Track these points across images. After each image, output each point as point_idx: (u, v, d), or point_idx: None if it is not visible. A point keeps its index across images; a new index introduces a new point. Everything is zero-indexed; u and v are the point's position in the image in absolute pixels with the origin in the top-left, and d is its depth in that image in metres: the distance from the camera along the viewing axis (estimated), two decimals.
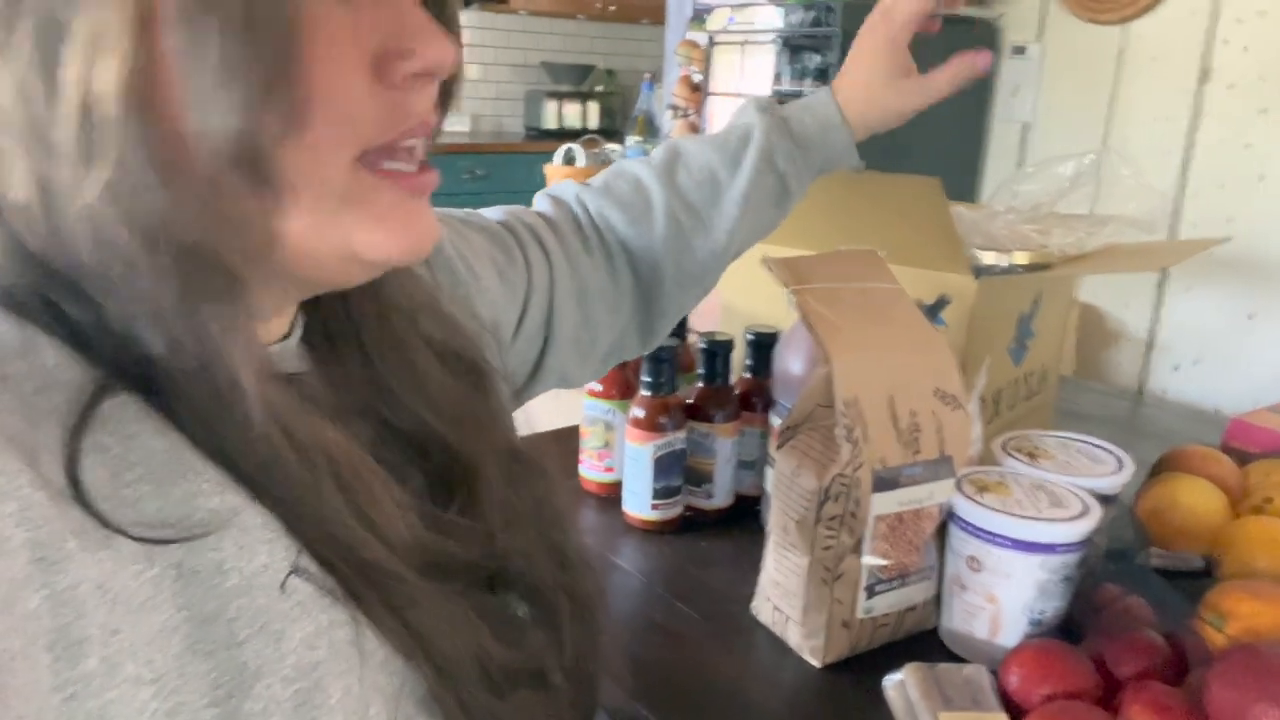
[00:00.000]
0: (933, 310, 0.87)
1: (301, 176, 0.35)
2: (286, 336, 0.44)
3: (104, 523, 0.32)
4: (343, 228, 0.38)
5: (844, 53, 2.22)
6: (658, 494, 0.86)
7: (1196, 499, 0.84)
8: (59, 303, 0.35)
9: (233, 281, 0.35)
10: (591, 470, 0.95)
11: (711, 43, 2.46)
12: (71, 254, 0.34)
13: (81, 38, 0.31)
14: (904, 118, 0.75)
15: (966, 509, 0.67)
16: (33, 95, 0.32)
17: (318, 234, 0.37)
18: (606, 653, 0.52)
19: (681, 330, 0.97)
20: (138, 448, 0.34)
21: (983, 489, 0.69)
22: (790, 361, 0.82)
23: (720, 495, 0.89)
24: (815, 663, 0.69)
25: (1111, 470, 0.76)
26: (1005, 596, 0.67)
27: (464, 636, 0.40)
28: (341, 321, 0.47)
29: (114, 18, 0.31)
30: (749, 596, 0.75)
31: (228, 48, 0.31)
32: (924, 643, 0.72)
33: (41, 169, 0.33)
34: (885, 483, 0.65)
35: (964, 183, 2.31)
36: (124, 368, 0.35)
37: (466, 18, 4.19)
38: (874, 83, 0.74)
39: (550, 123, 4.24)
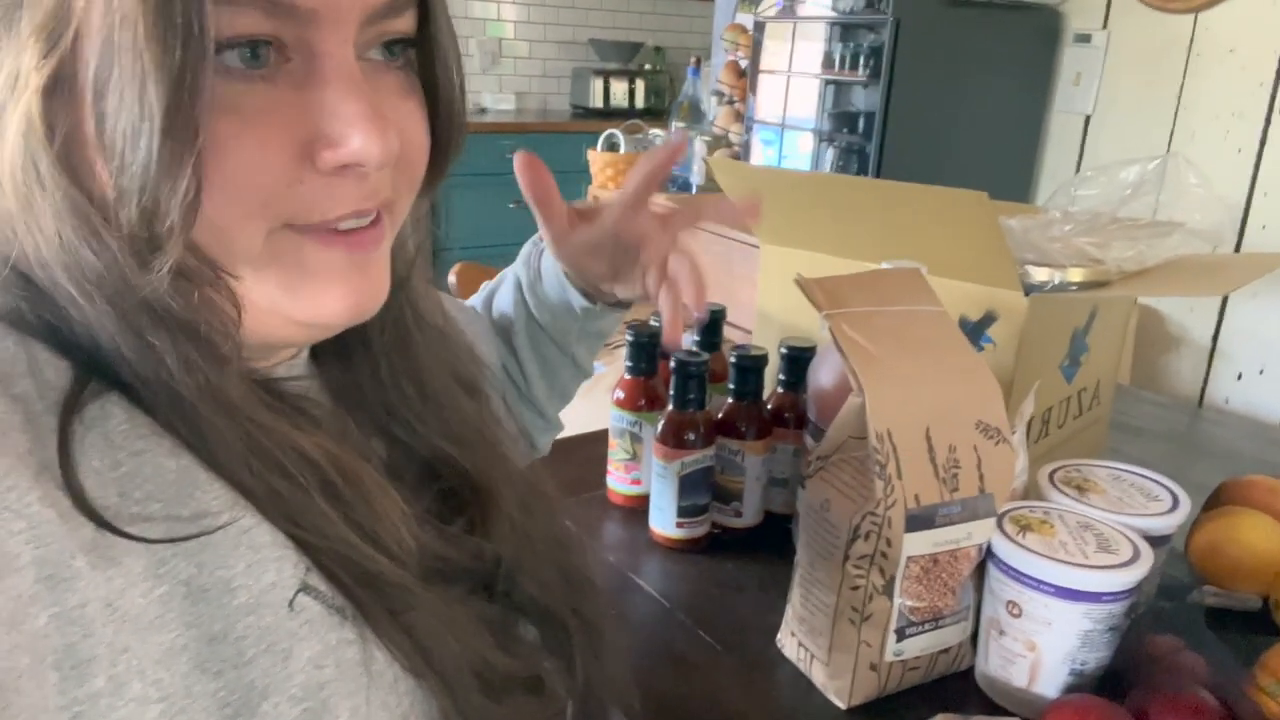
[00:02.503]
0: (979, 328, 0.83)
1: (216, 248, 0.35)
2: (296, 354, 0.44)
3: (99, 521, 0.32)
4: (273, 291, 0.37)
5: (897, 35, 2.15)
6: (683, 512, 0.83)
7: (1257, 536, 0.79)
8: (55, 321, 0.35)
9: (173, 324, 0.35)
10: (618, 482, 0.92)
11: (758, 25, 2.39)
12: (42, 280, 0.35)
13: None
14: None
15: (1007, 551, 0.63)
16: None
17: (250, 296, 0.37)
18: (617, 680, 0.52)
19: (715, 340, 0.94)
20: (147, 464, 0.34)
21: (1025, 528, 0.65)
22: (825, 380, 0.78)
23: (749, 514, 0.86)
24: (840, 705, 0.66)
25: (1166, 508, 0.71)
26: (1046, 645, 0.63)
27: (464, 642, 0.40)
28: (355, 341, 0.46)
29: (26, 74, 0.32)
30: (775, 626, 0.72)
31: (130, 121, 0.31)
32: (957, 685, 0.69)
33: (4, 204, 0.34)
34: (919, 522, 0.62)
35: (1020, 175, 2.23)
36: (120, 385, 0.36)
37: None
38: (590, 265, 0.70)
39: (597, 101, 4.19)
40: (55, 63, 0.32)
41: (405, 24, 0.39)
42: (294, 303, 0.38)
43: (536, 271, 0.73)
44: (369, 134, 0.35)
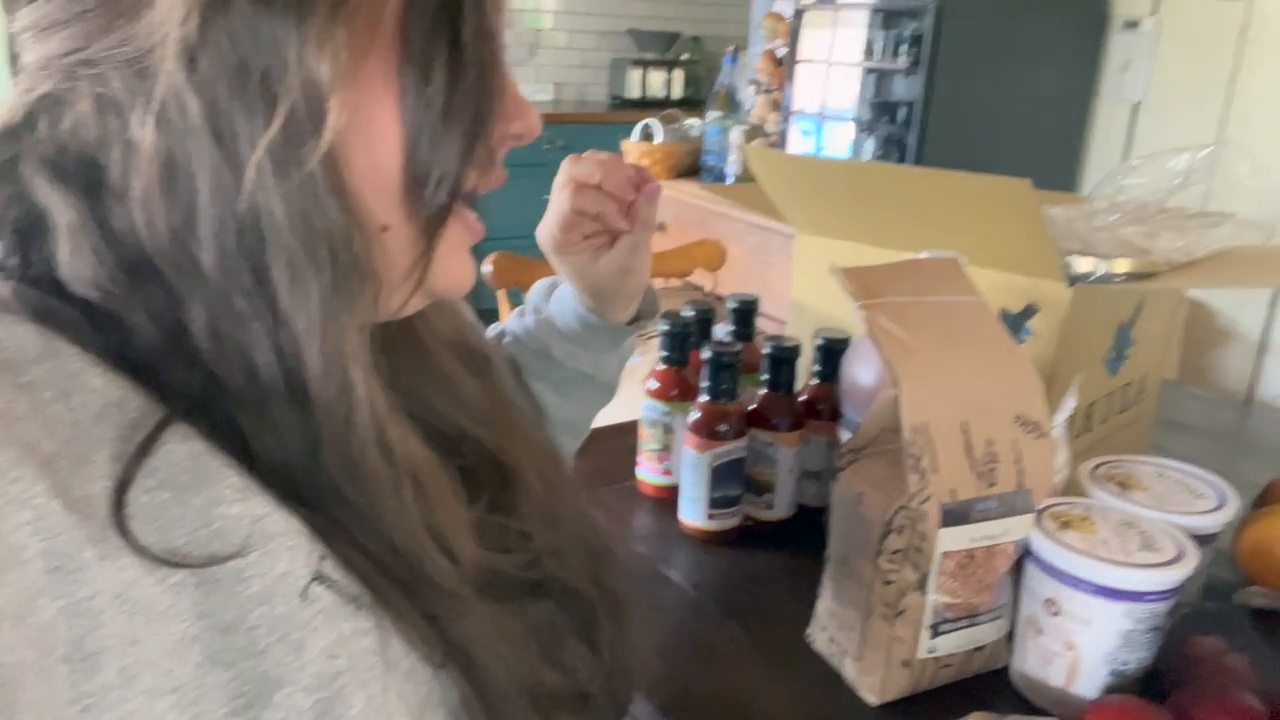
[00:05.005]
0: (1020, 319, 0.81)
1: None
2: None
3: (135, 546, 0.31)
4: (434, 267, 0.40)
5: (939, 22, 2.12)
6: (714, 503, 0.83)
7: None
8: (121, 315, 0.35)
9: (374, 290, 0.37)
10: (649, 473, 0.91)
11: (797, 13, 2.37)
12: (196, 251, 0.34)
13: (302, 81, 0.33)
14: (632, 274, 0.67)
15: (1046, 548, 0.61)
16: (237, 101, 0.33)
17: (400, 262, 0.39)
18: (639, 653, 0.51)
19: (749, 331, 0.93)
20: (157, 453, 0.34)
21: (1065, 525, 0.63)
22: (860, 373, 0.77)
23: (781, 506, 0.85)
24: (872, 700, 0.64)
25: (1212, 506, 0.69)
26: (1085, 644, 0.61)
27: (517, 659, 0.40)
28: None
29: (328, 69, 0.33)
30: (806, 619, 0.71)
31: (453, 106, 0.36)
32: (992, 683, 0.67)
33: (219, 161, 0.33)
34: (955, 517, 0.60)
35: (1066, 166, 2.18)
36: (174, 382, 0.35)
37: None
38: (585, 278, 0.67)
39: (634, 92, 4.17)
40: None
41: None
42: (439, 272, 0.41)
43: (549, 307, 0.72)
44: (533, 110, 0.42)
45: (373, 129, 0.36)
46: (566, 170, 0.64)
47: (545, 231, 0.66)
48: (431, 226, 0.38)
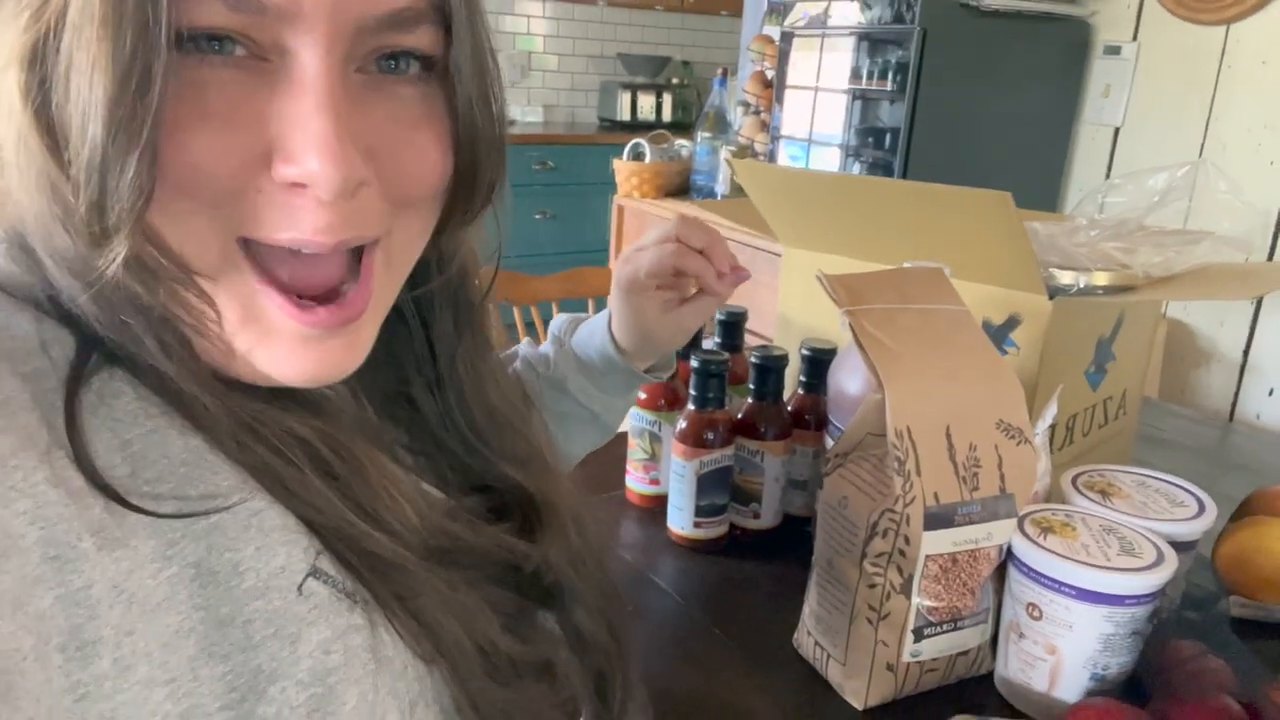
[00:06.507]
0: (1002, 331, 0.82)
1: (179, 246, 0.34)
2: None
3: (112, 495, 0.31)
4: (244, 344, 0.36)
5: (923, 48, 2.14)
6: (701, 511, 0.83)
7: None
8: (57, 295, 0.35)
9: (145, 309, 0.34)
10: (636, 482, 0.92)
11: (785, 36, 2.40)
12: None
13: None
14: (684, 334, 0.73)
15: (1027, 552, 0.62)
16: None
17: (223, 346, 0.36)
18: (639, 696, 0.51)
19: (736, 342, 0.94)
20: (157, 444, 0.34)
21: (1047, 530, 0.64)
22: (846, 381, 0.78)
23: (768, 515, 0.86)
24: (856, 705, 0.65)
25: (1192, 514, 0.70)
26: (1066, 648, 0.62)
27: (469, 624, 0.40)
28: (420, 377, 0.47)
29: (11, 41, 0.31)
30: (791, 626, 0.72)
31: (81, 107, 0.31)
32: (976, 688, 0.68)
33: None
34: (938, 520, 0.61)
35: (1048, 188, 2.21)
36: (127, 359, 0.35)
37: (546, 8, 4.19)
38: (643, 322, 0.71)
39: (624, 114, 4.21)
40: (35, 35, 0.31)
41: (418, 40, 0.37)
42: (250, 348, 0.36)
43: (571, 340, 0.74)
44: (326, 158, 0.33)
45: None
46: (677, 228, 0.68)
47: (633, 270, 0.69)
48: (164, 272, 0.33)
